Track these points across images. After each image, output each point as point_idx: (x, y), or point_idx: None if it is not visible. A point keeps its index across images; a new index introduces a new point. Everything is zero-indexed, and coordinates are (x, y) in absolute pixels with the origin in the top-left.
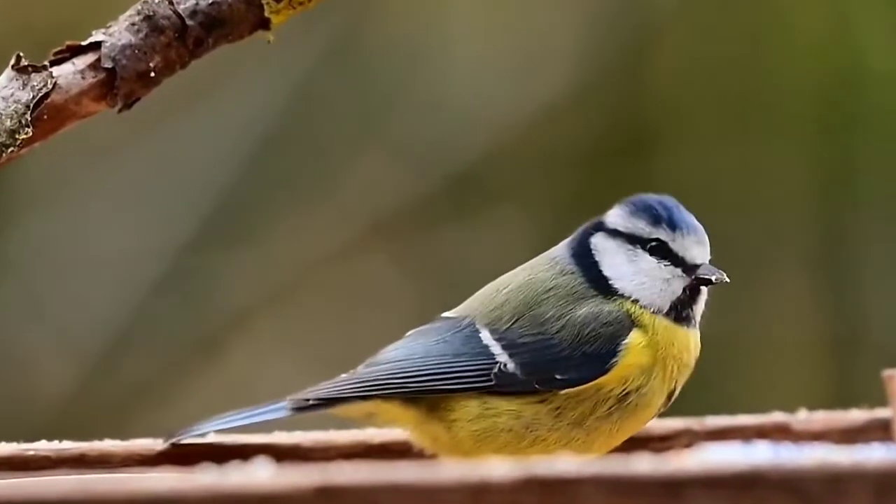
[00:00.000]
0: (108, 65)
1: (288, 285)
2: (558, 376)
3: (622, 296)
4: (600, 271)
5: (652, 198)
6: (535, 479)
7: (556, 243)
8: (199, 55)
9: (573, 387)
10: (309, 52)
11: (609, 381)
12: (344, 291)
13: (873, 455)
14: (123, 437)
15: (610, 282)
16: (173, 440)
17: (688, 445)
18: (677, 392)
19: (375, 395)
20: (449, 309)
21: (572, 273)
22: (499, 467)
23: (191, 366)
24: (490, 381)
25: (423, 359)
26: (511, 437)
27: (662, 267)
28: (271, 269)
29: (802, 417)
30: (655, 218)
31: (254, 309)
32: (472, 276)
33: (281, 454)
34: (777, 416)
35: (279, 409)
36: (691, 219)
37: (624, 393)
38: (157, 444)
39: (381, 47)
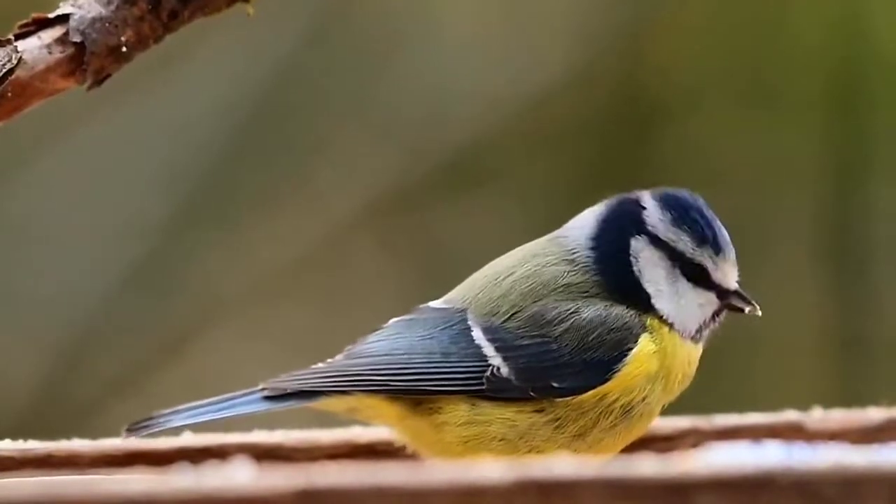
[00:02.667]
0: (77, 39)
1: (270, 271)
2: (555, 384)
3: (657, 314)
4: (638, 282)
5: (691, 203)
6: (532, 482)
7: (550, 225)
8: (173, 29)
9: (570, 395)
10: (294, 27)
11: (612, 389)
12: (330, 277)
13: (891, 456)
14: (93, 435)
15: (652, 300)
16: (134, 433)
17: (694, 446)
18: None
19: (357, 390)
20: (439, 294)
21: (593, 273)
22: (492, 469)
23: (166, 358)
24: (481, 384)
25: (407, 355)
26: (504, 446)
27: (700, 293)
28: (252, 255)
29: (817, 416)
30: (701, 238)
31: (234, 297)
32: (464, 260)
33: (261, 454)
34: (790, 415)
35: (253, 400)
36: (725, 233)
37: (629, 405)
38: (127, 443)
39: (369, 23)
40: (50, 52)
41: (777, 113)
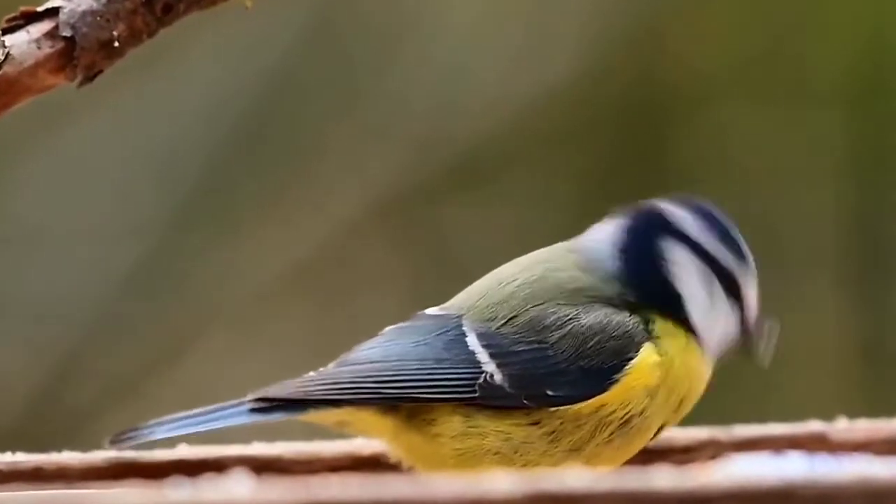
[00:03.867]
0: (67, 33)
1: (272, 274)
2: (550, 392)
3: (689, 326)
4: (669, 285)
5: (729, 221)
6: (544, 495)
7: (562, 222)
8: (167, 23)
9: (565, 405)
10: (297, 18)
11: (610, 400)
12: (335, 279)
13: None
14: (88, 444)
15: (685, 304)
16: (117, 445)
17: (713, 457)
18: (671, 425)
19: (347, 399)
20: (449, 295)
21: (615, 280)
22: (502, 482)
23: (164, 365)
24: (474, 392)
25: (400, 362)
26: (499, 459)
27: (733, 315)
28: (253, 257)
29: (841, 427)
30: (740, 253)
31: (234, 301)
32: (474, 259)
33: (261, 467)
34: (813, 426)
35: (239, 412)
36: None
37: (626, 417)
38: (120, 456)
39: (375, 17)
40: (39, 47)
41: (799, 109)
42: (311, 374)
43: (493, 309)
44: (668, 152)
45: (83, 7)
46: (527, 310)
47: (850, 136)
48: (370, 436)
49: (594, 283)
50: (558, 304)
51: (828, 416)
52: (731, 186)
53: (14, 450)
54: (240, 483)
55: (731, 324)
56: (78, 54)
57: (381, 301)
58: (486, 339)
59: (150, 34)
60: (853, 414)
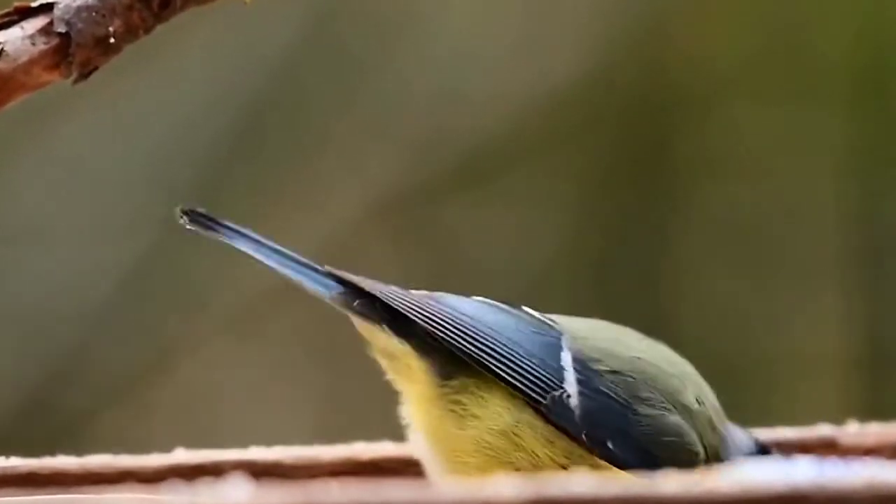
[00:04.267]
0: (62, 29)
1: (273, 274)
2: (610, 445)
3: None
4: None
5: None
6: (549, 501)
7: (562, 223)
8: (164, 19)
9: (612, 462)
10: (296, 13)
11: None
12: None
13: None
14: (81, 451)
15: None
16: (191, 220)
17: (721, 462)
18: None
19: (428, 329)
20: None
21: (724, 451)
22: (506, 486)
23: (162, 368)
24: (544, 398)
25: (490, 329)
26: (511, 471)
27: None
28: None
29: (851, 431)
30: None
31: (235, 301)
32: (477, 259)
33: (259, 471)
34: (822, 430)
35: (322, 281)
36: None
37: None
38: (116, 460)
39: (375, 15)
40: (34, 44)
41: (800, 109)
42: (396, 289)
43: (601, 355)
44: (671, 152)
45: (78, 2)
46: (633, 377)
47: (850, 136)
48: (406, 386)
49: (703, 427)
50: (661, 395)
51: (837, 420)
52: (731, 186)
53: (8, 454)
54: (238, 488)
55: None
56: (73, 51)
57: None
58: (581, 366)
59: (147, 30)
60: (863, 418)
